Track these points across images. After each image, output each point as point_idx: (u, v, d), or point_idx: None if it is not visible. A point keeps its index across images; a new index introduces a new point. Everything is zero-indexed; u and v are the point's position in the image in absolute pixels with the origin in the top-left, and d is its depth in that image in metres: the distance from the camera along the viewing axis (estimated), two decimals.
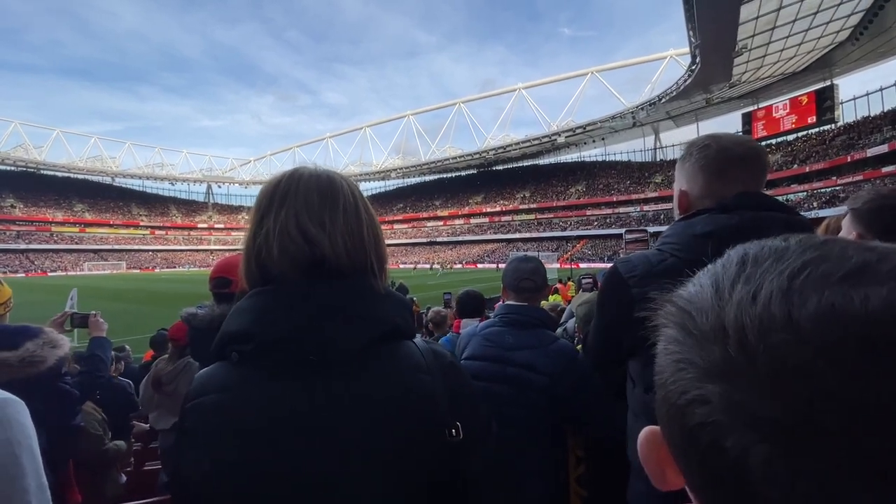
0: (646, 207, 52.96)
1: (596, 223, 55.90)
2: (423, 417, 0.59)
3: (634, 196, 55.10)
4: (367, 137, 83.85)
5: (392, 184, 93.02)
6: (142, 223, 77.82)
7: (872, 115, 41.84)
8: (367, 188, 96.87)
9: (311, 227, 0.62)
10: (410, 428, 0.58)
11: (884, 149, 34.11)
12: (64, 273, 54.37)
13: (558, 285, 15.33)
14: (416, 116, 77.21)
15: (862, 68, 41.44)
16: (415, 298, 11.83)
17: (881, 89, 42.21)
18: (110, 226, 73.52)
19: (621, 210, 55.39)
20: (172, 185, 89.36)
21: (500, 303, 1.68)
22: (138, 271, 58.99)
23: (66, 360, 1.64)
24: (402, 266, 54.93)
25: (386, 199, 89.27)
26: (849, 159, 37.05)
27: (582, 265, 40.86)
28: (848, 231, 1.19)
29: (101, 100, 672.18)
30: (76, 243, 66.39)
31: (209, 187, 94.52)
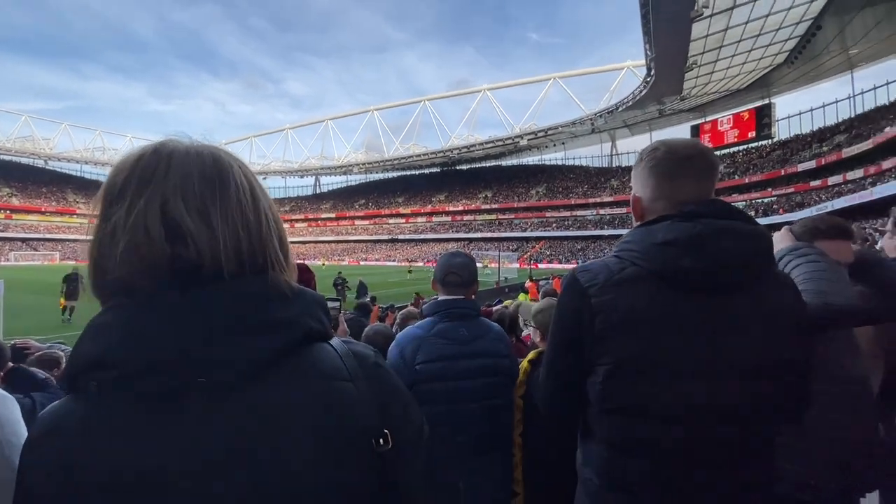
0: (602, 211, 55.05)
1: (555, 225, 57.47)
2: (342, 430, 0.51)
3: (591, 200, 57.09)
4: (329, 130, 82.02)
5: (354, 179, 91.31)
6: (79, 211, 72.05)
7: (804, 133, 45.60)
8: (329, 182, 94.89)
9: (188, 218, 0.49)
10: (327, 445, 0.49)
11: (812, 164, 37.33)
12: None
13: (528, 284, 15.71)
14: (381, 112, 76.32)
15: (796, 90, 45.25)
16: (374, 297, 11.74)
17: (811, 110, 46.10)
18: (41, 213, 67.62)
19: (579, 213, 57.26)
20: None
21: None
22: (74, 263, 54.55)
23: None
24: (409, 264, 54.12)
25: (347, 195, 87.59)
26: (782, 173, 40.24)
27: (541, 266, 41.96)
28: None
29: (36, 75, 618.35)
30: (1, 231, 60.69)
31: None
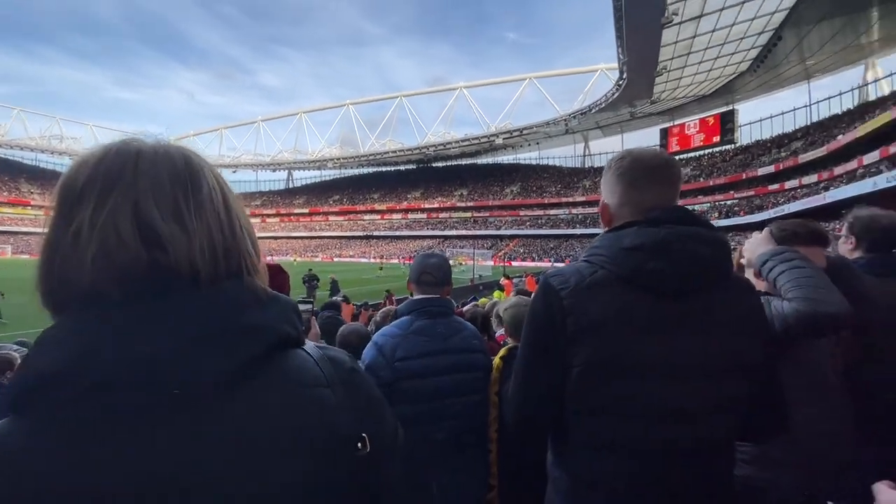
0: (574, 210, 56.22)
1: (528, 223, 58.31)
2: (322, 437, 0.50)
3: (564, 199, 58.29)
4: (303, 124, 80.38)
5: (328, 174, 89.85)
6: (34, 202, 68.19)
7: (764, 138, 47.86)
8: (302, 177, 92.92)
9: (162, 221, 0.47)
10: (309, 452, 0.49)
11: (770, 169, 39.27)
12: None
13: (503, 281, 15.80)
14: (357, 107, 75.53)
15: (757, 97, 47.51)
16: (346, 297, 11.54)
17: (771, 117, 48.60)
18: None
19: (552, 212, 58.33)
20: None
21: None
22: (28, 257, 51.58)
23: None
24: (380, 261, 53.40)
25: (321, 190, 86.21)
26: (744, 176, 42.16)
27: (514, 263, 42.48)
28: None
29: None
30: None
31: None
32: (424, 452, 1.44)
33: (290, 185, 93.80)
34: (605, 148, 66.45)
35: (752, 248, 1.39)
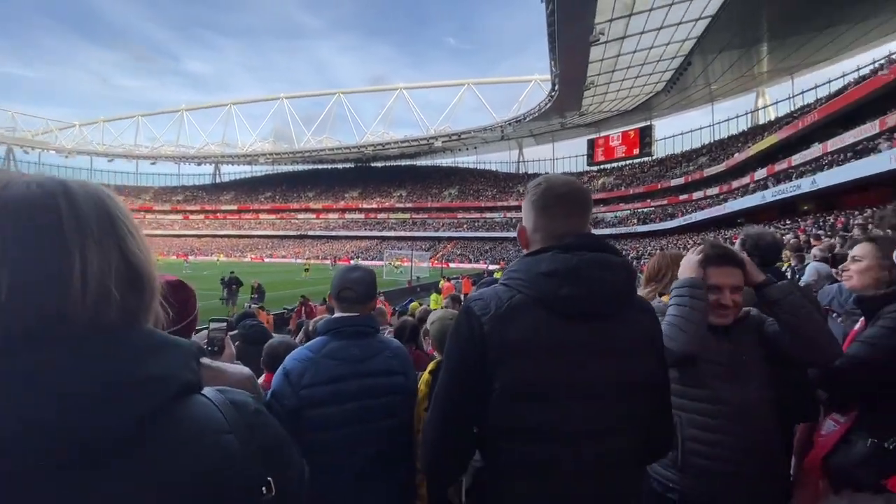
0: (509, 214, 58.09)
1: (465, 226, 59.31)
2: (227, 485, 0.48)
3: (500, 203, 60.03)
4: (232, 115, 75.25)
5: (260, 170, 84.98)
6: None
7: (675, 153, 52.84)
8: (231, 172, 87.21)
9: (97, 264, 0.44)
10: (214, 501, 0.47)
11: (681, 181, 43.43)
12: None
13: (443, 284, 15.52)
14: (293, 101, 72.11)
15: (671, 115, 52.30)
16: (263, 306, 10.92)
17: (682, 134, 53.92)
18: None
19: (488, 215, 59.83)
20: None
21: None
22: None
23: None
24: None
25: (251, 186, 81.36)
26: (658, 187, 46.19)
27: (451, 265, 43.08)
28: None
29: None
30: None
31: (11, 152, 74.42)
32: (336, 481, 1.38)
33: (218, 181, 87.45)
34: (538, 155, 69.68)
35: (682, 269, 1.46)
